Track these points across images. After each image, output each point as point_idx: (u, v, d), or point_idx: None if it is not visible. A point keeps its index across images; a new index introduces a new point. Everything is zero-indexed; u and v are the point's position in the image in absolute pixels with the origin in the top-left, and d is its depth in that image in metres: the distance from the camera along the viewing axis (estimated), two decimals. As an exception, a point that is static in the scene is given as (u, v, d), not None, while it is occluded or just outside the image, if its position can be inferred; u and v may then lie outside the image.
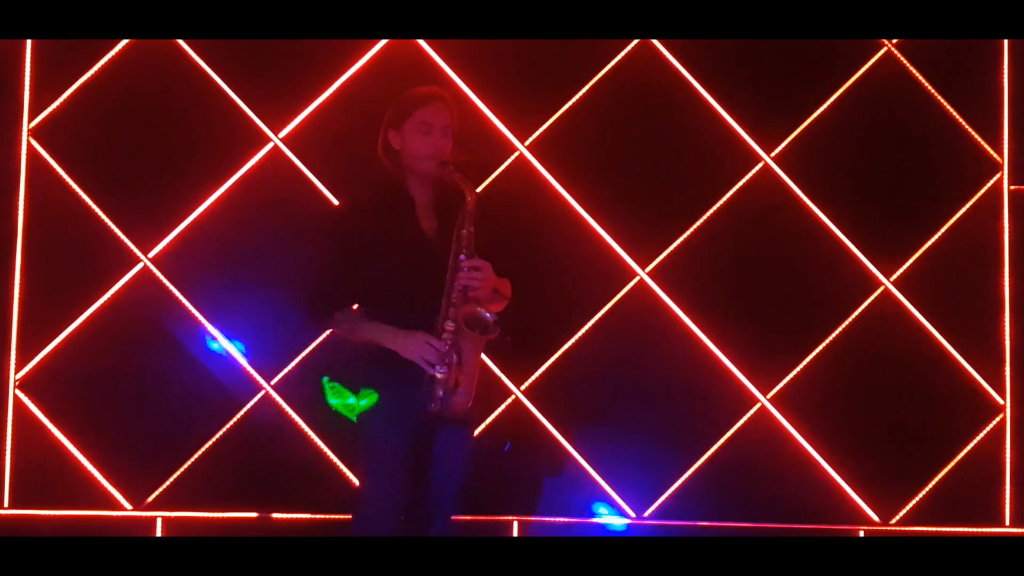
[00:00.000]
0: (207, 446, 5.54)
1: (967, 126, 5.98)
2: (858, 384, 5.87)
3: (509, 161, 5.76)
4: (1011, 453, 5.91)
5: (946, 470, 5.88)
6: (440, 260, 4.13)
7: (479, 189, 5.66)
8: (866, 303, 5.90)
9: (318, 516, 5.52)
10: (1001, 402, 5.93)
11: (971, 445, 5.90)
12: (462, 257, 4.10)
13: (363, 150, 4.42)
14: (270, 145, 5.65)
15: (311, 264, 4.26)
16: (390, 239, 4.15)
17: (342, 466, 5.53)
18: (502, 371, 5.71)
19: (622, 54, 5.84)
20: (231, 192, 5.62)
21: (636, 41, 5.85)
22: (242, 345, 5.56)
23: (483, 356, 5.65)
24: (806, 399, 5.85)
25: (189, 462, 5.53)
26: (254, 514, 5.51)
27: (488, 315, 4.11)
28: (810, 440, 5.84)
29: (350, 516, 4.15)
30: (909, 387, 5.89)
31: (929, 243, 5.94)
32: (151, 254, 5.58)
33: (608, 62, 5.83)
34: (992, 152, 6.00)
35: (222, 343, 5.53)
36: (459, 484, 4.19)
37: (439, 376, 4.05)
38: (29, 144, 5.57)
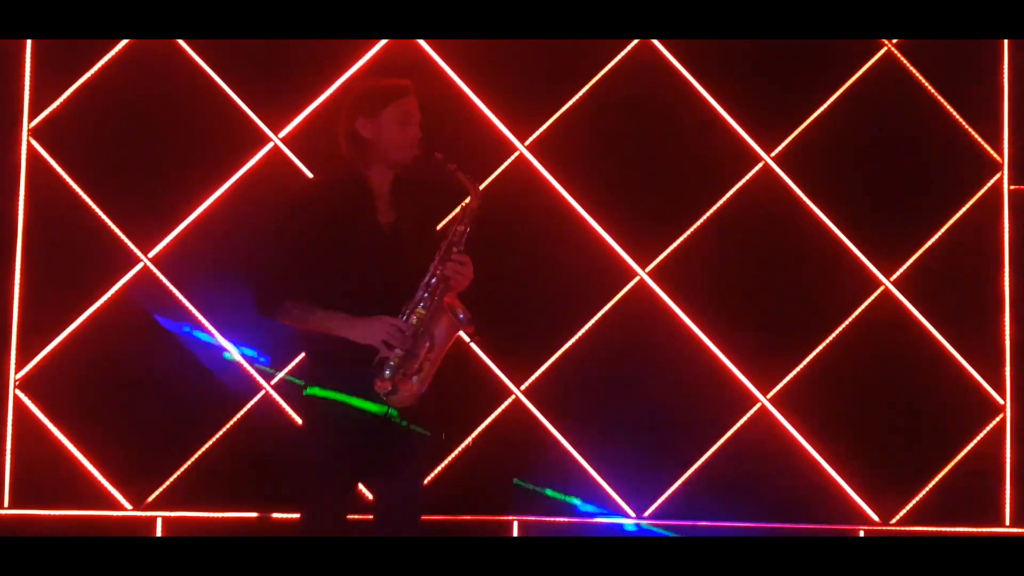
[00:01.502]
0: (207, 446, 5.54)
1: (967, 126, 5.98)
2: (858, 384, 5.87)
3: (509, 161, 5.76)
4: (1011, 453, 5.91)
5: (946, 470, 5.88)
6: (396, 252, 4.09)
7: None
8: (866, 303, 5.91)
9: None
10: (1001, 402, 5.94)
11: (971, 445, 5.91)
12: (454, 250, 4.10)
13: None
14: (270, 145, 5.65)
15: (263, 251, 4.17)
16: (346, 229, 4.08)
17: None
18: (502, 371, 5.71)
19: (622, 54, 5.84)
20: (231, 192, 5.62)
21: (636, 41, 5.85)
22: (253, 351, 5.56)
23: (483, 355, 5.69)
24: (806, 399, 5.85)
25: (189, 462, 5.53)
26: (254, 514, 5.51)
27: (462, 312, 4.10)
28: (810, 440, 5.84)
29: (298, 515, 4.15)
30: (909, 387, 5.89)
31: (929, 243, 5.94)
32: (151, 254, 5.58)
33: (608, 62, 5.83)
34: (992, 152, 6.00)
35: (230, 351, 5.54)
36: (420, 482, 4.17)
37: (393, 361, 4.02)
38: (29, 144, 5.57)
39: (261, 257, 4.16)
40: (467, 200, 4.18)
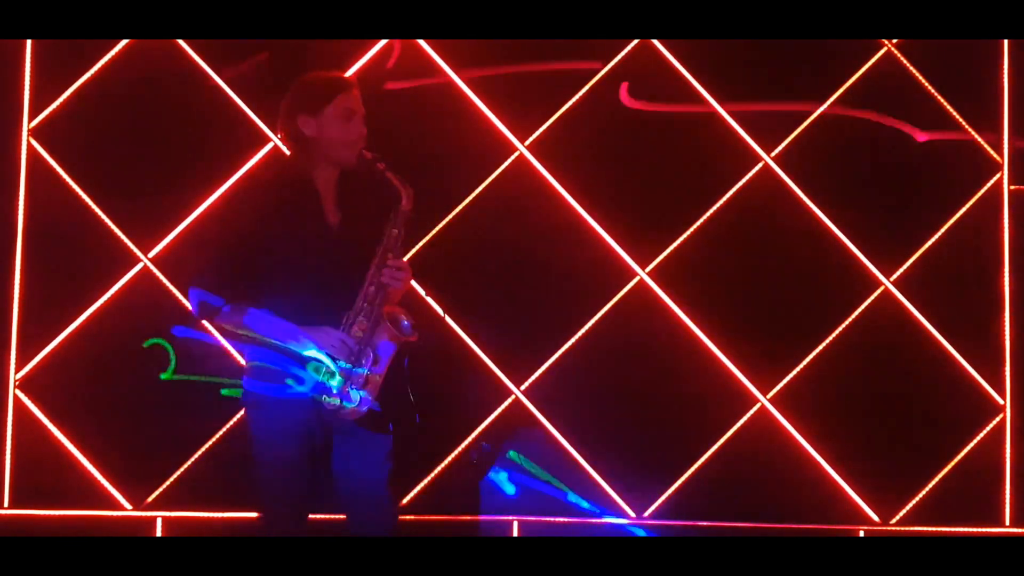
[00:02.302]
0: (207, 446, 5.54)
1: (967, 126, 5.98)
2: (858, 384, 5.86)
3: (509, 161, 5.76)
4: (1011, 453, 5.91)
5: (946, 470, 5.88)
6: (342, 254, 4.00)
7: (479, 189, 5.68)
8: (866, 303, 5.90)
9: (318, 516, 5.50)
10: (1001, 402, 5.93)
11: (971, 445, 5.90)
12: (390, 256, 3.99)
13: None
14: (270, 145, 5.65)
15: (205, 252, 4.12)
16: (292, 231, 3.98)
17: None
18: (502, 371, 5.71)
19: (622, 54, 5.84)
20: (231, 192, 5.62)
21: (636, 41, 5.85)
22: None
23: (483, 355, 5.69)
24: (806, 399, 5.84)
25: (189, 462, 5.53)
26: (254, 514, 5.50)
27: (405, 320, 4.01)
28: (810, 440, 5.83)
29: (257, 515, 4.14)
30: (909, 387, 5.88)
31: (929, 243, 5.94)
32: (151, 254, 5.58)
33: (608, 62, 5.83)
34: (992, 152, 6.00)
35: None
36: (378, 479, 4.10)
37: (338, 375, 3.93)
38: (29, 144, 5.57)
39: (204, 258, 4.09)
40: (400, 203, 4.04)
